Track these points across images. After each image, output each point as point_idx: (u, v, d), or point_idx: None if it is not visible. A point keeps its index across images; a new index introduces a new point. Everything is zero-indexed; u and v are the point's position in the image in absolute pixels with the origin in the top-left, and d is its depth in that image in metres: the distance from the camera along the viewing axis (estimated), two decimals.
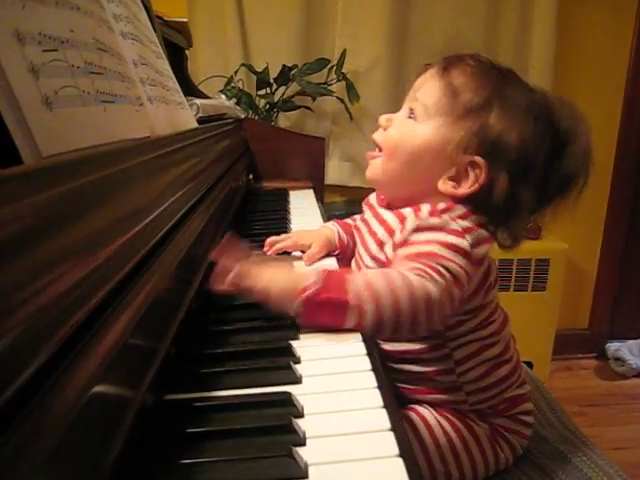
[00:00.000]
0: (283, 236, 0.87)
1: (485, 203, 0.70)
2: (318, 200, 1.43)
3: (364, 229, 0.82)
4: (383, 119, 0.78)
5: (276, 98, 1.80)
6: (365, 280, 0.61)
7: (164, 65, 0.87)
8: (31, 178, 0.33)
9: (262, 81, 1.73)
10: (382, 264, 0.74)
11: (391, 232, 0.74)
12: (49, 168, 0.36)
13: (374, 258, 0.75)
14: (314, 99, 1.86)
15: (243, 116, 1.48)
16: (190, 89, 1.34)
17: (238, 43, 1.87)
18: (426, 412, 0.74)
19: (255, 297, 0.60)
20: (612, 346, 2.45)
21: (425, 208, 0.71)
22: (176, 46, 1.41)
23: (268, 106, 1.78)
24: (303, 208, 1.32)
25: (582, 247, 2.33)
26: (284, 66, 1.73)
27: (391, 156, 0.75)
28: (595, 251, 2.40)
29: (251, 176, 1.35)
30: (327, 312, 0.59)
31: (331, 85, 1.86)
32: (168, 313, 0.50)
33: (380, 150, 0.78)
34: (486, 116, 0.70)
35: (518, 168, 0.69)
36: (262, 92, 1.79)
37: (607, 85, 2.22)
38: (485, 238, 0.70)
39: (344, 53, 1.85)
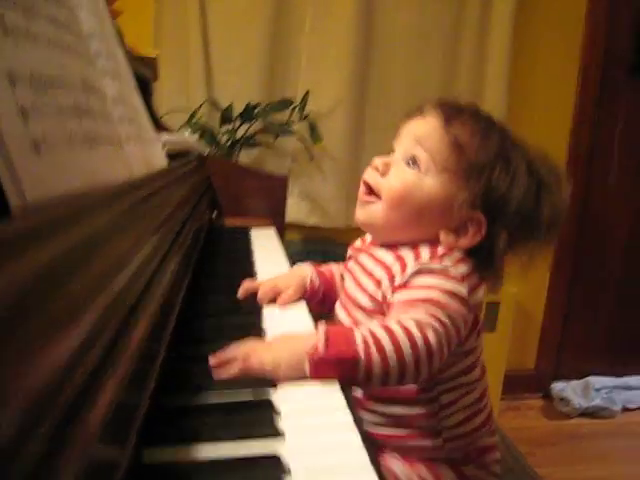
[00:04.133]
0: (259, 281, 0.85)
1: (478, 251, 0.73)
2: (280, 239, 1.43)
3: (357, 270, 0.81)
4: (379, 163, 0.77)
5: (238, 135, 1.81)
6: (369, 333, 0.61)
7: (138, 101, 0.86)
8: None
9: (226, 117, 1.73)
10: (379, 304, 0.74)
11: (388, 270, 0.74)
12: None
13: (371, 297, 0.75)
14: (276, 137, 1.88)
15: (206, 152, 1.47)
16: (157, 123, 1.32)
17: (202, 78, 1.88)
18: (396, 464, 0.73)
19: (265, 375, 0.58)
20: (557, 386, 2.52)
21: (425, 252, 0.73)
22: (143, 79, 1.40)
23: (230, 142, 1.78)
24: (266, 247, 1.31)
25: (530, 291, 2.41)
26: (248, 104, 1.74)
27: (395, 207, 0.75)
28: (542, 295, 2.49)
29: (215, 214, 1.34)
30: (338, 369, 0.59)
31: (293, 124, 1.88)
32: (146, 368, 0.48)
33: (371, 193, 0.78)
34: (490, 174, 0.72)
35: (514, 221, 0.72)
36: (225, 128, 1.79)
37: (556, 113, 2.37)
38: (479, 283, 0.72)
39: (307, 95, 1.89)
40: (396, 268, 0.73)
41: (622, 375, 2.60)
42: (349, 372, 0.59)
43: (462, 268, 0.71)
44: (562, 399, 2.47)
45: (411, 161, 0.75)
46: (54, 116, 0.43)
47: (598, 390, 2.52)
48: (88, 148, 0.48)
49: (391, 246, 0.77)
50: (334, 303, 0.90)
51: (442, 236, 0.73)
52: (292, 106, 1.84)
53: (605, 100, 2.40)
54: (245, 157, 1.94)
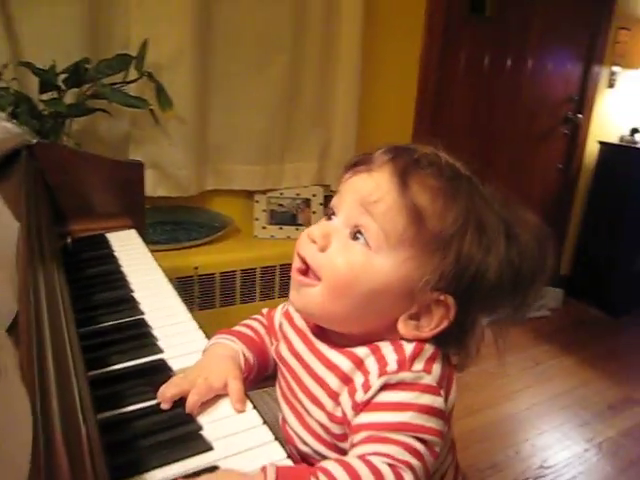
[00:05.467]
0: (181, 380, 0.63)
1: (448, 335, 0.59)
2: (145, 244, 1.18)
3: (298, 368, 0.64)
4: (318, 234, 0.59)
5: (66, 102, 1.43)
6: None
7: None
8: None
9: (47, 83, 1.35)
10: (340, 423, 0.59)
11: (346, 380, 0.59)
12: None
13: (330, 416, 0.59)
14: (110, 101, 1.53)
15: (35, 141, 1.13)
16: None
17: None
18: None
19: None
20: None
21: (391, 357, 0.57)
22: None
23: (55, 113, 1.40)
24: (132, 257, 1.07)
25: None
26: (77, 63, 1.37)
27: (338, 294, 0.58)
28: None
29: (69, 240, 1.03)
30: None
31: (131, 83, 1.55)
32: None
33: (308, 272, 0.60)
34: (460, 246, 0.56)
35: (490, 297, 0.58)
36: (47, 96, 1.40)
37: (406, 47, 2.37)
38: (452, 378, 0.60)
39: (145, 45, 1.55)
40: (357, 380, 0.58)
41: None
42: None
43: (436, 369, 0.57)
44: None
45: (357, 233, 0.59)
46: None
47: None
48: None
49: (343, 344, 0.61)
50: (268, 369, 0.75)
51: (400, 326, 0.59)
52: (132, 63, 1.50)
53: (450, 36, 2.43)
54: (73, 125, 1.57)
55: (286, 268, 2.01)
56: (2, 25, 1.41)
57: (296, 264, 0.61)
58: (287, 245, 2.07)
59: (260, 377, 0.73)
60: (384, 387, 0.55)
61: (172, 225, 1.98)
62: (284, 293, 2.03)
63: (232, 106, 1.92)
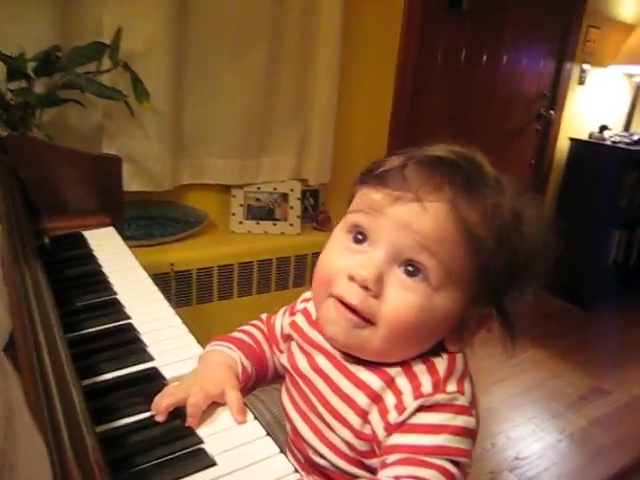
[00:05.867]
0: (176, 389, 0.60)
1: None
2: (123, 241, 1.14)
3: (319, 381, 0.62)
4: (370, 279, 0.54)
5: (34, 91, 1.36)
6: None
7: None
8: None
9: (16, 72, 1.28)
10: (368, 440, 0.57)
11: (376, 399, 0.57)
12: None
13: (358, 434, 0.57)
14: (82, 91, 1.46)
15: (5, 134, 1.07)
16: None
17: None
18: None
19: None
20: None
21: (425, 378, 0.56)
22: None
23: (24, 103, 1.33)
24: (112, 256, 1.03)
25: None
26: (48, 52, 1.30)
27: (398, 338, 0.55)
28: None
29: (47, 240, 0.98)
30: None
31: (104, 73, 1.49)
32: None
33: (357, 313, 0.56)
34: (510, 257, 0.56)
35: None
36: (14, 85, 1.33)
37: (384, 45, 2.34)
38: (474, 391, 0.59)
39: (119, 33, 1.48)
40: (389, 400, 0.56)
41: None
42: None
43: (467, 388, 0.57)
44: None
45: (413, 269, 0.55)
46: None
47: None
48: None
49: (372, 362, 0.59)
50: (266, 377, 0.73)
51: (448, 343, 0.59)
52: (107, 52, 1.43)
53: (427, 30, 2.41)
54: (44, 115, 1.50)
55: (264, 264, 1.98)
56: None
57: (339, 305, 0.56)
58: (264, 240, 2.04)
59: (257, 386, 0.71)
60: (418, 409, 0.54)
61: (147, 220, 1.92)
62: (262, 289, 2.00)
63: (209, 98, 1.87)
